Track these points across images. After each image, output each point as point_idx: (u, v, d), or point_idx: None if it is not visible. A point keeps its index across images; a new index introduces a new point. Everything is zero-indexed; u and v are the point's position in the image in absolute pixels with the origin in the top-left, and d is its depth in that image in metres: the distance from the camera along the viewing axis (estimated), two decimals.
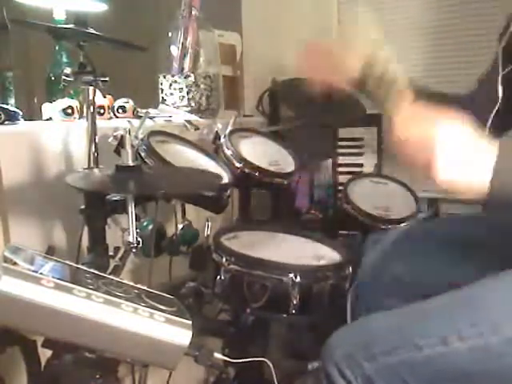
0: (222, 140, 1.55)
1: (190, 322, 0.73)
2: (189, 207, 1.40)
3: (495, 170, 0.77)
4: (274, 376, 1.02)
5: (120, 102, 1.65)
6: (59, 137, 1.35)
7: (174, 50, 1.89)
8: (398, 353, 0.84)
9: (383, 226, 1.55)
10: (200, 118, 1.87)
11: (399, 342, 0.85)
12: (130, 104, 1.65)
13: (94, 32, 1.15)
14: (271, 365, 1.01)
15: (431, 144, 0.78)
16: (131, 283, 0.79)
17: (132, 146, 1.05)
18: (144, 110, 1.62)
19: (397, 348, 0.84)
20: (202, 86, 1.91)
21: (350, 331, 0.92)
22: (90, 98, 1.21)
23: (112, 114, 1.63)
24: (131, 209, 1.01)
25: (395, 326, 0.87)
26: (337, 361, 0.86)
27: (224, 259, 1.16)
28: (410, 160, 0.81)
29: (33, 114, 1.52)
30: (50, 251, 1.08)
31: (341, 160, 2.26)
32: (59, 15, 1.44)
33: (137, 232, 1.05)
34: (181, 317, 0.73)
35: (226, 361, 0.94)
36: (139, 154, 1.28)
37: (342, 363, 0.85)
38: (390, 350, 0.84)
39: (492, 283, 0.88)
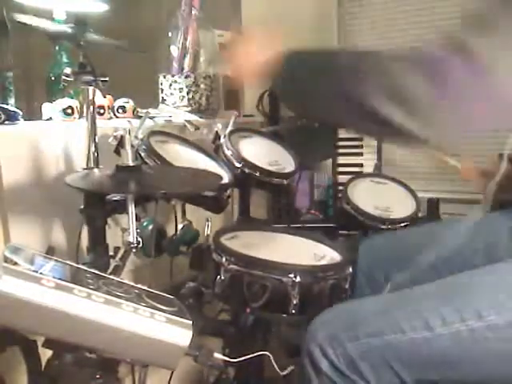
0: (222, 140, 1.55)
1: (191, 322, 0.73)
2: (189, 207, 1.40)
3: None
4: (276, 366, 1.02)
5: (120, 101, 1.65)
6: (59, 137, 1.35)
7: (174, 50, 1.89)
8: (381, 335, 0.84)
9: (383, 226, 1.55)
10: (200, 118, 1.87)
11: (383, 325, 0.85)
12: (130, 104, 1.65)
13: (93, 32, 1.15)
14: (271, 357, 1.01)
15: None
16: (131, 283, 0.79)
17: (132, 146, 1.05)
18: (144, 110, 1.62)
19: (381, 330, 0.84)
20: (202, 85, 1.91)
21: (334, 313, 0.92)
22: (90, 98, 1.21)
23: (112, 114, 1.63)
24: (131, 209, 1.01)
25: (380, 309, 0.88)
26: (320, 341, 0.86)
27: (224, 259, 1.16)
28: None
29: (33, 114, 1.52)
30: (50, 251, 1.08)
31: (341, 160, 2.26)
32: (59, 15, 1.44)
33: (137, 232, 1.05)
34: (181, 317, 0.73)
35: (226, 361, 0.95)
36: (139, 153, 1.28)
37: (325, 343, 0.85)
38: (374, 331, 0.85)
39: (478, 272, 0.88)
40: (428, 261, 1.04)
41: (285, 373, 1.07)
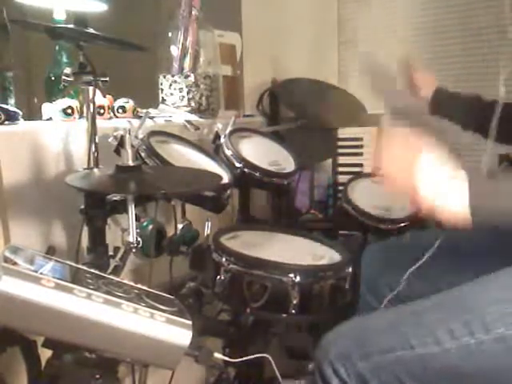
0: (222, 140, 1.55)
1: (190, 322, 0.73)
2: (189, 207, 1.40)
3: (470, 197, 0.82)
4: (276, 370, 1.02)
5: (120, 101, 1.65)
6: (59, 137, 1.35)
7: (174, 50, 1.89)
8: (391, 351, 0.84)
9: (383, 226, 1.55)
10: (200, 118, 1.87)
11: (393, 341, 0.85)
12: (130, 104, 1.65)
13: (93, 32, 1.15)
14: (271, 359, 1.01)
15: (412, 173, 0.85)
16: (131, 283, 0.79)
17: (132, 146, 1.05)
18: (144, 110, 1.62)
19: (390, 347, 0.85)
20: (201, 86, 1.91)
21: (344, 330, 0.92)
22: (90, 98, 1.21)
23: (112, 114, 1.63)
24: (131, 209, 1.01)
25: (390, 326, 0.88)
26: (331, 359, 0.86)
27: (224, 259, 1.16)
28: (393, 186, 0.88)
29: (33, 114, 1.52)
30: (50, 251, 1.08)
31: (341, 160, 2.26)
32: (59, 15, 1.44)
33: (137, 232, 1.05)
34: (181, 317, 0.73)
35: (226, 361, 0.95)
36: (139, 153, 1.28)
37: (337, 362, 0.85)
38: (385, 348, 0.85)
39: (483, 284, 0.88)
40: (426, 269, 1.04)
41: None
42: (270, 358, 1.01)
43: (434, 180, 0.85)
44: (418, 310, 0.88)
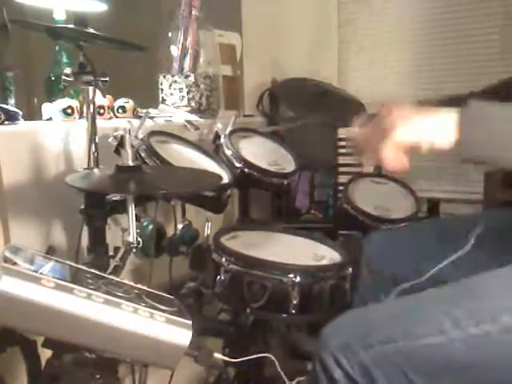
0: (222, 140, 1.55)
1: (190, 322, 0.73)
2: (189, 207, 1.40)
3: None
4: (279, 369, 1.02)
5: (120, 101, 1.65)
6: (59, 137, 1.35)
7: (174, 50, 1.89)
8: (394, 341, 0.82)
9: (383, 226, 1.54)
10: (200, 117, 1.87)
11: (396, 331, 0.83)
12: (130, 104, 1.65)
13: (93, 32, 1.15)
14: (275, 359, 1.01)
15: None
16: (131, 283, 0.79)
17: (132, 146, 1.05)
18: (144, 110, 1.62)
19: (393, 337, 0.83)
20: (201, 86, 1.91)
21: (346, 320, 0.90)
22: (90, 98, 1.21)
23: (112, 114, 1.63)
24: (131, 209, 1.01)
25: (392, 315, 0.86)
26: (333, 350, 0.84)
27: (224, 259, 1.16)
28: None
29: (33, 114, 1.52)
30: (50, 251, 1.08)
31: (341, 160, 2.26)
32: (59, 15, 1.44)
33: (137, 232, 1.04)
34: (181, 317, 0.73)
35: (225, 361, 0.95)
36: (139, 153, 1.28)
37: (339, 352, 0.84)
38: (387, 338, 0.83)
39: (490, 274, 0.87)
40: (435, 264, 1.03)
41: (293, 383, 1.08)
42: (274, 358, 1.01)
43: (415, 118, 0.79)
44: (422, 299, 0.87)
